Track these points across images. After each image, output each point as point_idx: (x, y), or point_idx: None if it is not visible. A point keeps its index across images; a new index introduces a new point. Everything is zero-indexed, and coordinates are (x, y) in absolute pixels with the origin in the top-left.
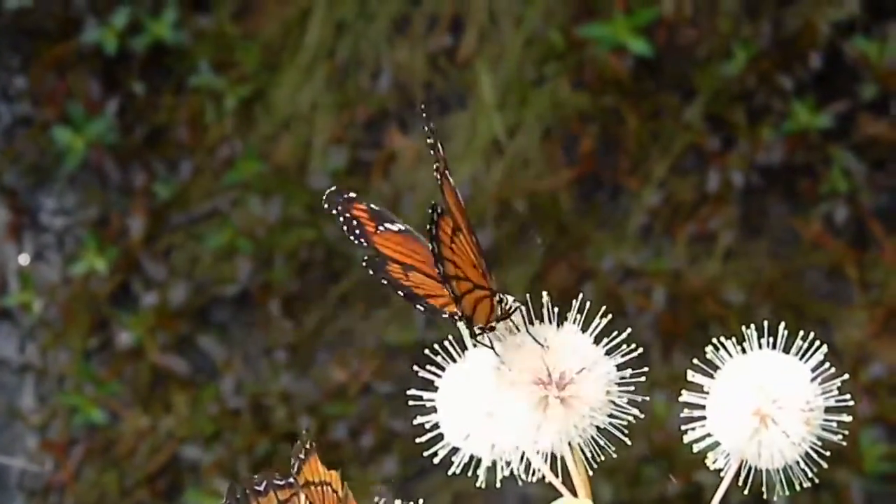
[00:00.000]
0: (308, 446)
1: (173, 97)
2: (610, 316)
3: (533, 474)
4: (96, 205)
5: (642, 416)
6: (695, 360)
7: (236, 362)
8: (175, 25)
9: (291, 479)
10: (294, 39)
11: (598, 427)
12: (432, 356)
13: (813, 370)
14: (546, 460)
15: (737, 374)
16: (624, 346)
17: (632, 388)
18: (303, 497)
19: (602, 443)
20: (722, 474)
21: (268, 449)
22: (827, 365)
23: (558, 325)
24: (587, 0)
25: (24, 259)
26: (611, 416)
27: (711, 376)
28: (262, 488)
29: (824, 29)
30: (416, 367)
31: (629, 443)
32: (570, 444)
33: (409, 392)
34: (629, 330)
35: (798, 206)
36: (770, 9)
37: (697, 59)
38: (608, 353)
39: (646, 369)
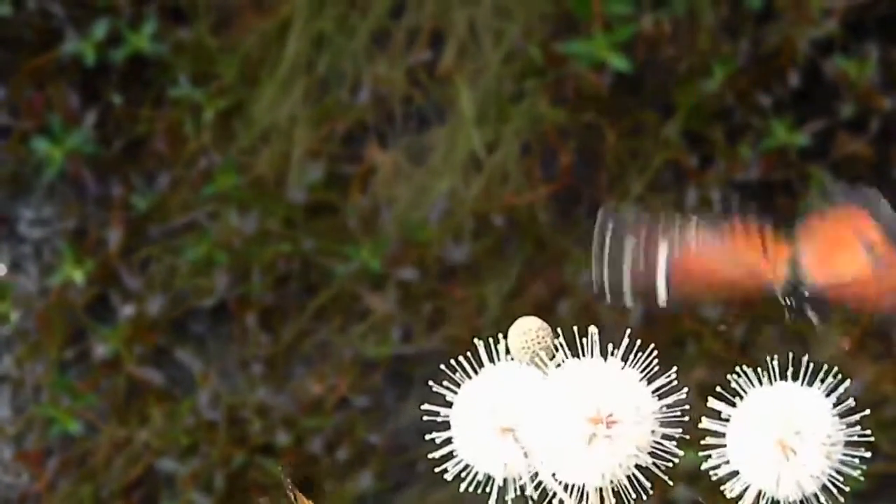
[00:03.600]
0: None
1: (152, 109)
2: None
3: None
4: (74, 216)
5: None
6: (717, 388)
7: (213, 375)
8: (154, 37)
9: None
10: (273, 52)
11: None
12: (447, 371)
13: (834, 403)
14: (569, 493)
15: (760, 402)
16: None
17: (678, 429)
18: None
19: (636, 483)
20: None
21: (244, 461)
22: (849, 400)
23: (603, 358)
24: (567, 16)
25: (0, 270)
26: (652, 454)
27: (732, 403)
28: None
29: (803, 47)
30: (431, 383)
31: (671, 484)
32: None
33: (422, 407)
34: (675, 369)
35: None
36: (749, 26)
37: (677, 75)
38: (655, 391)
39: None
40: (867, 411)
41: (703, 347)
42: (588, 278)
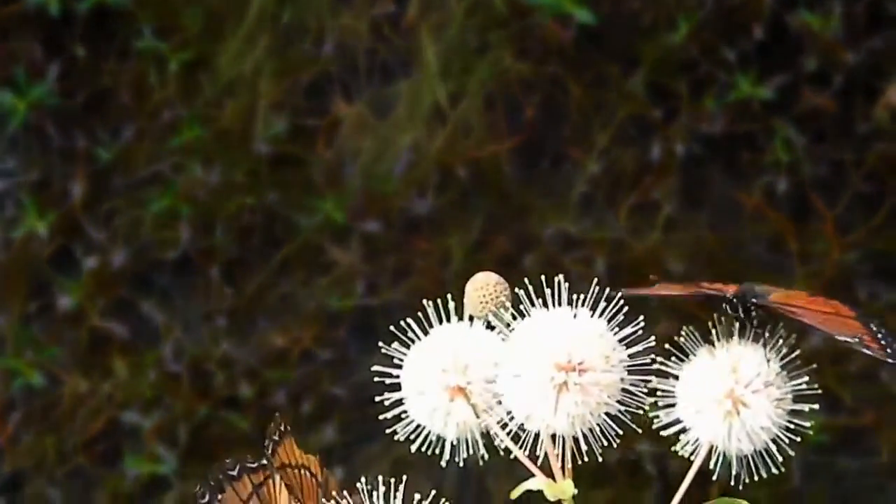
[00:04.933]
0: (283, 428)
1: (116, 61)
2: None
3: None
4: (37, 168)
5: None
6: (667, 346)
7: (176, 327)
8: None
9: (265, 461)
10: (237, 4)
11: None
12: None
13: (782, 356)
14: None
15: (708, 359)
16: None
17: (649, 377)
18: (278, 479)
19: (608, 432)
20: (691, 459)
21: (207, 414)
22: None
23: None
24: None
25: None
26: (621, 402)
27: (681, 360)
28: (235, 472)
29: (767, 0)
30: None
31: (640, 431)
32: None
33: (373, 369)
34: (642, 318)
35: (739, 177)
36: None
37: (641, 28)
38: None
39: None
40: (814, 365)
41: (667, 302)
42: (552, 229)
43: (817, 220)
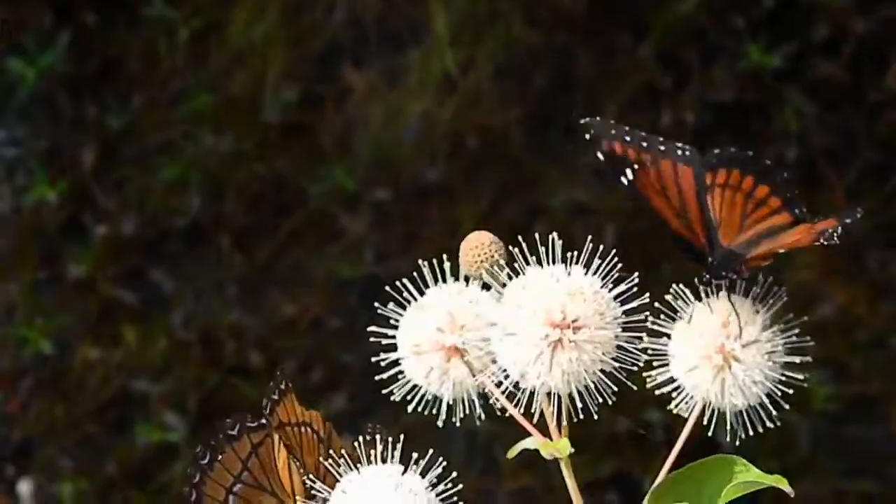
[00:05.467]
0: (283, 386)
1: (126, 29)
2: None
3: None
4: (47, 136)
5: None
6: (656, 305)
7: (187, 295)
8: None
9: (264, 421)
10: None
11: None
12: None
13: (773, 312)
14: (531, 400)
15: (699, 316)
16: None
17: (641, 334)
18: (276, 438)
19: (603, 389)
20: (685, 415)
21: (217, 382)
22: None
23: (565, 267)
24: None
25: None
26: (616, 359)
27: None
28: (235, 432)
29: None
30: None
31: (634, 388)
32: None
33: (369, 329)
34: (636, 275)
35: (749, 146)
36: None
37: None
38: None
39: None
40: (805, 317)
41: (678, 268)
42: (562, 197)
43: (827, 190)
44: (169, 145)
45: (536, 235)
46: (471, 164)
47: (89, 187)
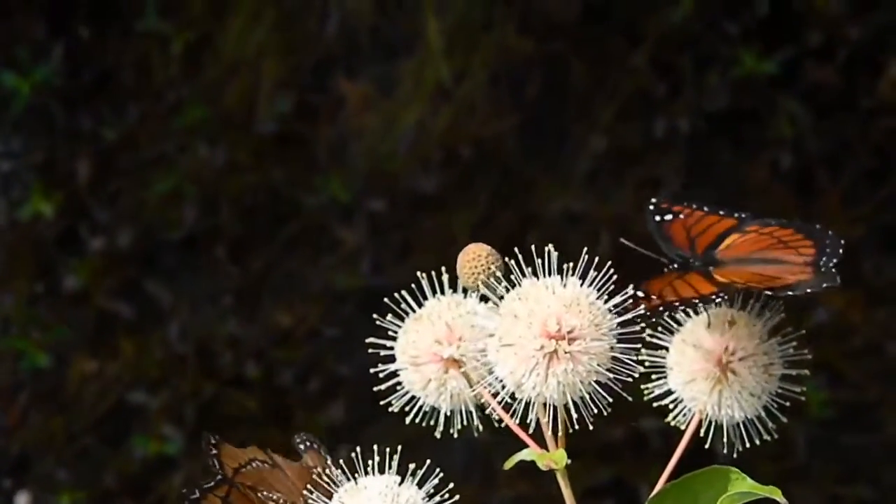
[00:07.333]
0: (213, 441)
1: (120, 41)
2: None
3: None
4: (43, 148)
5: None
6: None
7: (183, 307)
8: None
9: (220, 477)
10: None
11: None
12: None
13: (773, 325)
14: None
15: (696, 329)
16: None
17: (637, 345)
18: (239, 486)
19: (598, 400)
20: (682, 427)
21: (214, 393)
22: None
23: (561, 278)
24: None
25: None
26: (611, 370)
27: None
28: (197, 496)
29: None
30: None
31: (630, 399)
32: (570, 398)
33: (367, 340)
34: (631, 286)
35: (744, 153)
36: None
37: (644, 4)
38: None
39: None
40: (802, 331)
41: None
42: (556, 206)
43: (822, 195)
44: (164, 157)
45: (532, 247)
46: (465, 173)
47: (85, 200)
